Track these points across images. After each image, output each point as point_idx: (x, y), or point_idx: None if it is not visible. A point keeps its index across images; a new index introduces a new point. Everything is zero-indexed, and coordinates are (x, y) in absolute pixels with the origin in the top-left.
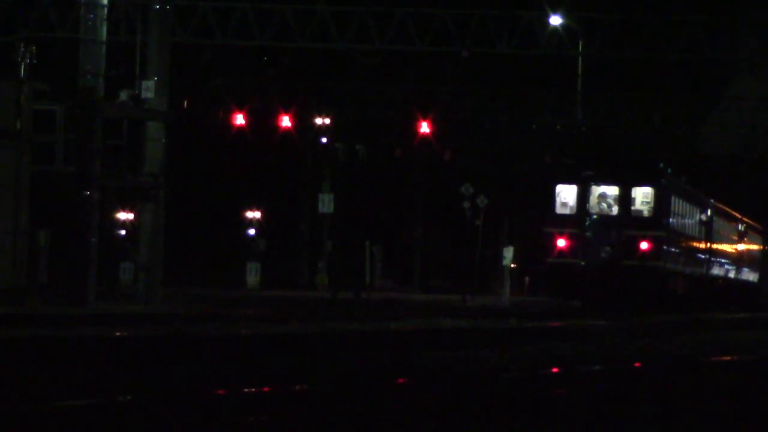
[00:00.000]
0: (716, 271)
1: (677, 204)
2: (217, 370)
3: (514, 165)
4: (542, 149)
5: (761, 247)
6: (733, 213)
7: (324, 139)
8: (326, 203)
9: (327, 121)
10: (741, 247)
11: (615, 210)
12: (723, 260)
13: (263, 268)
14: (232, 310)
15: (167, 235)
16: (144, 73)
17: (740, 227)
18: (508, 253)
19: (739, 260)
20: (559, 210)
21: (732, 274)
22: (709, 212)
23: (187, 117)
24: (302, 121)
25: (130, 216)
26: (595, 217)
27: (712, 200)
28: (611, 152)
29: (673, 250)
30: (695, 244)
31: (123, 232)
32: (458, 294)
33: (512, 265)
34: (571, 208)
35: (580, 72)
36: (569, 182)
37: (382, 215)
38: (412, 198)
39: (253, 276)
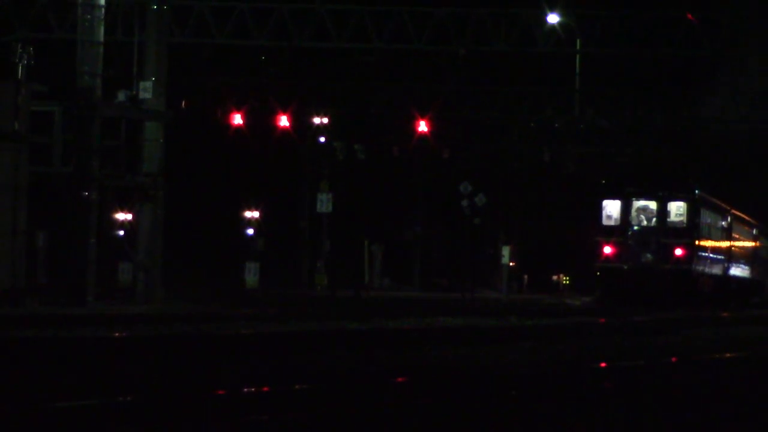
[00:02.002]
0: (733, 271)
1: (705, 215)
2: (216, 370)
3: (512, 163)
4: (541, 147)
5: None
6: (748, 218)
7: (322, 139)
8: (325, 202)
9: (325, 120)
10: (753, 249)
11: (653, 221)
12: (738, 262)
13: (262, 268)
14: (231, 309)
15: (166, 235)
16: (141, 73)
17: (754, 231)
18: (507, 251)
19: (753, 261)
20: (605, 222)
21: (746, 274)
22: (728, 219)
23: (185, 117)
24: (300, 121)
25: (129, 216)
26: (636, 227)
27: (731, 210)
28: (649, 170)
29: (701, 254)
30: (718, 248)
31: (122, 232)
32: (458, 292)
33: (510, 264)
34: (616, 220)
35: (578, 70)
36: (613, 198)
37: (380, 214)
38: (410, 197)
39: (252, 275)
